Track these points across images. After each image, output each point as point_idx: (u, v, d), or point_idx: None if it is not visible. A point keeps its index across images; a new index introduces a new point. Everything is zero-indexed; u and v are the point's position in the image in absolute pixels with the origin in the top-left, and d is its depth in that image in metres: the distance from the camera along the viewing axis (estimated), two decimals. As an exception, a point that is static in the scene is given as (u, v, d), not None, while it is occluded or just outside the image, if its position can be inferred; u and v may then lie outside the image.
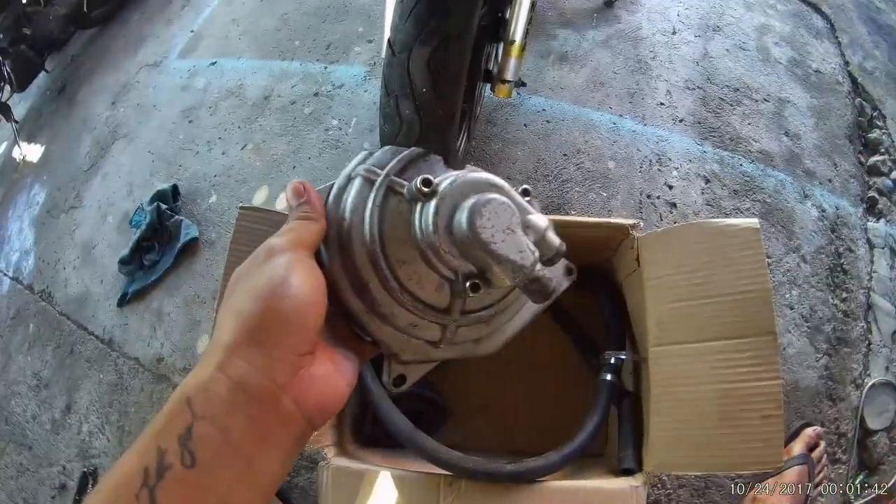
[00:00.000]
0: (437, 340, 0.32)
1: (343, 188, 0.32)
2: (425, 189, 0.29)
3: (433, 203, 0.29)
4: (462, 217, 0.28)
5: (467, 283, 0.30)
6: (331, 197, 0.32)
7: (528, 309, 0.36)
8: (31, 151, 2.10)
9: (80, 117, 1.99)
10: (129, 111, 1.83)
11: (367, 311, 0.30)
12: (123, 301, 1.38)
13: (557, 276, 0.38)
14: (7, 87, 2.14)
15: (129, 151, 1.71)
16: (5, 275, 1.75)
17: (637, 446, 0.64)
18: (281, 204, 1.30)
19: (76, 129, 1.95)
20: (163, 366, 1.26)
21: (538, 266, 0.27)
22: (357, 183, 0.32)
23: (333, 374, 0.28)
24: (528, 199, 0.33)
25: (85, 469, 1.27)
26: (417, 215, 0.30)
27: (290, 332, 0.25)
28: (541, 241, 0.29)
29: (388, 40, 0.75)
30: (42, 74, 2.30)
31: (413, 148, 0.34)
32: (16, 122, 2.18)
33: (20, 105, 2.36)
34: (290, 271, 0.26)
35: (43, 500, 1.30)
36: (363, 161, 0.33)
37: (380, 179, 0.31)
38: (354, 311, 0.31)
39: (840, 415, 0.97)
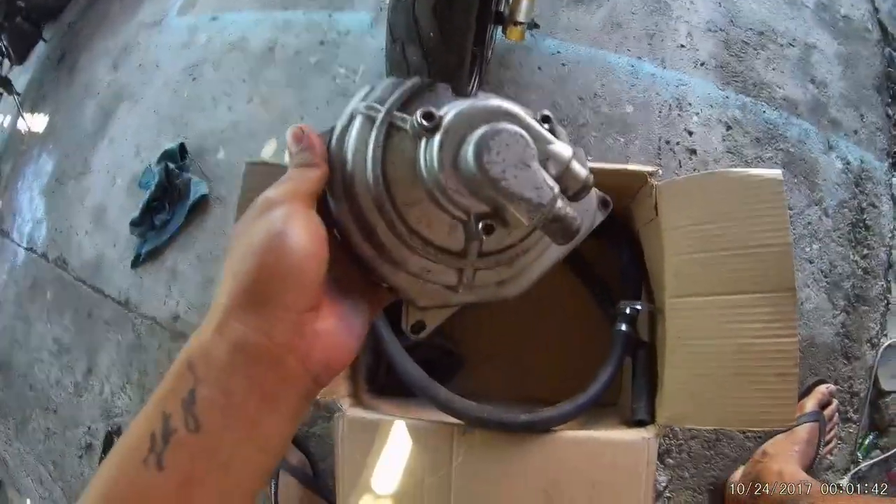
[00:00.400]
0: (454, 285, 0.31)
1: (346, 128, 0.30)
2: (427, 123, 0.27)
3: (437, 137, 0.26)
4: (468, 152, 0.25)
5: (480, 225, 0.27)
6: (333, 139, 0.30)
7: (558, 248, 0.34)
8: (35, 122, 2.10)
9: (82, 83, 1.97)
10: (131, 73, 1.80)
11: (378, 256, 0.29)
12: (137, 262, 1.40)
13: (590, 209, 0.35)
14: (6, 61, 2.15)
15: (135, 113, 1.69)
16: (20, 245, 1.78)
17: (650, 398, 0.64)
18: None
19: (79, 96, 1.93)
20: (179, 323, 1.28)
21: (559, 203, 0.24)
22: (358, 122, 0.30)
23: (339, 330, 0.27)
24: (548, 126, 0.29)
25: (109, 428, 1.32)
26: (422, 152, 0.27)
27: (288, 290, 0.24)
28: (565, 174, 0.26)
29: None
30: (40, 45, 2.28)
31: (416, 78, 0.31)
32: (18, 94, 2.17)
33: (21, 77, 2.34)
34: (286, 224, 0.25)
35: (70, 461, 1.37)
36: (365, 97, 0.31)
37: (381, 116, 0.29)
38: (365, 257, 0.29)
39: (854, 374, 0.96)
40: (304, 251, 0.24)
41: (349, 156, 0.29)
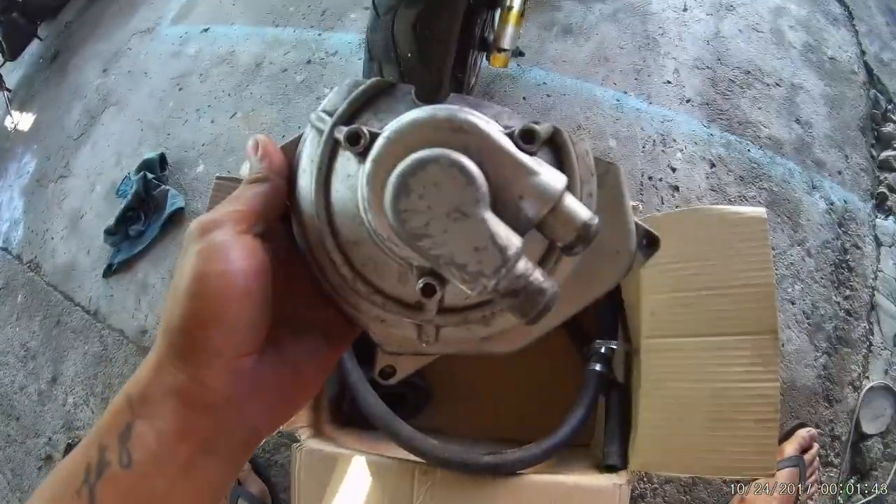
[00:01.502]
0: (415, 338, 0.25)
1: (304, 137, 0.25)
2: (352, 146, 0.21)
3: (365, 166, 0.20)
4: (387, 196, 0.19)
5: (421, 283, 0.21)
6: (298, 150, 0.25)
7: (568, 302, 0.25)
8: (22, 120, 2.07)
9: (72, 85, 1.96)
10: (120, 78, 1.80)
11: (334, 294, 0.25)
12: (109, 272, 1.37)
13: (623, 251, 0.25)
14: (-1, 56, 2.12)
15: (119, 119, 1.68)
16: (-5, 245, 1.74)
17: (624, 442, 0.61)
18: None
19: (67, 97, 1.92)
20: (146, 338, 1.25)
21: (519, 266, 0.18)
22: (309, 135, 0.25)
23: (284, 377, 0.25)
24: (530, 146, 0.20)
25: (69, 441, 1.27)
26: (359, 182, 0.21)
27: (218, 336, 0.22)
28: (554, 215, 0.19)
29: (373, 1, 0.70)
30: (35, 42, 2.27)
31: (373, 79, 0.24)
32: (8, 90, 2.16)
33: (13, 73, 2.33)
34: (212, 261, 0.22)
35: (29, 471, 1.31)
36: (325, 104, 0.25)
37: (326, 129, 0.23)
38: (325, 291, 0.25)
39: (835, 417, 0.95)
40: (233, 291, 0.22)
41: (297, 176, 0.25)
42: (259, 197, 0.24)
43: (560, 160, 0.22)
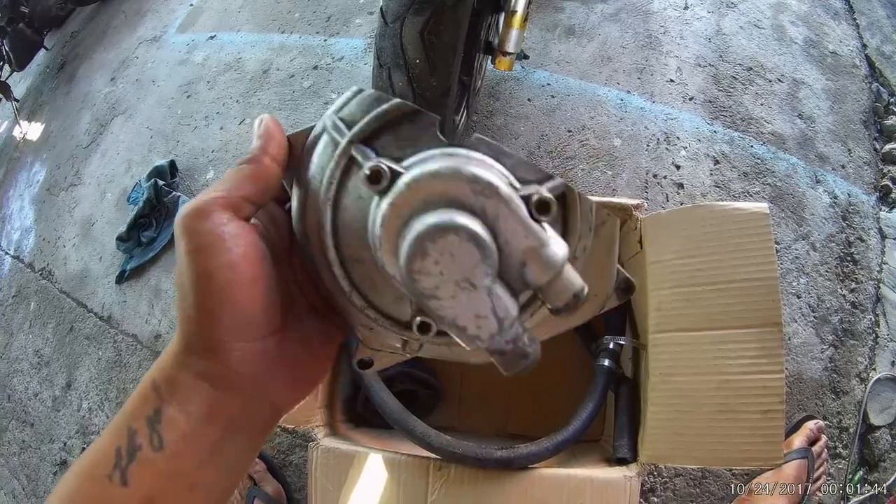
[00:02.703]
0: (399, 347, 0.27)
1: (316, 139, 0.25)
2: (372, 185, 0.21)
3: (383, 206, 0.20)
4: (402, 254, 0.19)
5: (417, 321, 0.23)
6: (307, 144, 0.25)
7: (544, 332, 0.26)
8: (31, 130, 2.10)
9: (80, 94, 1.98)
10: (128, 87, 1.81)
11: (328, 295, 0.26)
12: (122, 278, 1.39)
13: (601, 293, 0.27)
14: (6, 66, 2.14)
15: (128, 128, 1.70)
16: (7, 253, 1.76)
17: (633, 435, 0.62)
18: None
19: (76, 106, 1.94)
20: (160, 342, 1.26)
21: (511, 333, 0.19)
22: (322, 140, 0.24)
23: (302, 355, 0.26)
24: (544, 216, 0.20)
25: (84, 446, 1.28)
26: (373, 209, 0.21)
27: (233, 326, 0.23)
28: (552, 283, 0.20)
29: (381, 8, 0.72)
30: (42, 52, 2.29)
31: (396, 101, 0.23)
32: (16, 100, 2.18)
33: (21, 84, 2.35)
34: (210, 254, 0.22)
35: (44, 477, 1.33)
36: (341, 107, 0.24)
37: (342, 144, 0.23)
38: (321, 291, 0.26)
39: (843, 409, 0.95)
40: (239, 280, 0.22)
41: (308, 177, 0.24)
42: (248, 179, 0.23)
43: (565, 218, 0.23)
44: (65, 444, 1.32)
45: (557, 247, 0.20)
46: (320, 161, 0.24)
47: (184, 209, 0.22)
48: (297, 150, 0.25)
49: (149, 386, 0.23)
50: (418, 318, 0.23)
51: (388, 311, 0.25)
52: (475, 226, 0.19)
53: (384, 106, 0.23)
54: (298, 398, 0.26)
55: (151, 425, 0.22)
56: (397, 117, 0.23)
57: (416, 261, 0.19)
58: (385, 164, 0.21)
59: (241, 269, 0.22)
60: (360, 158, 0.23)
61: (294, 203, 0.25)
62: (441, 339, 0.25)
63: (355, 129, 0.23)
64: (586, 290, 0.21)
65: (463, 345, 0.20)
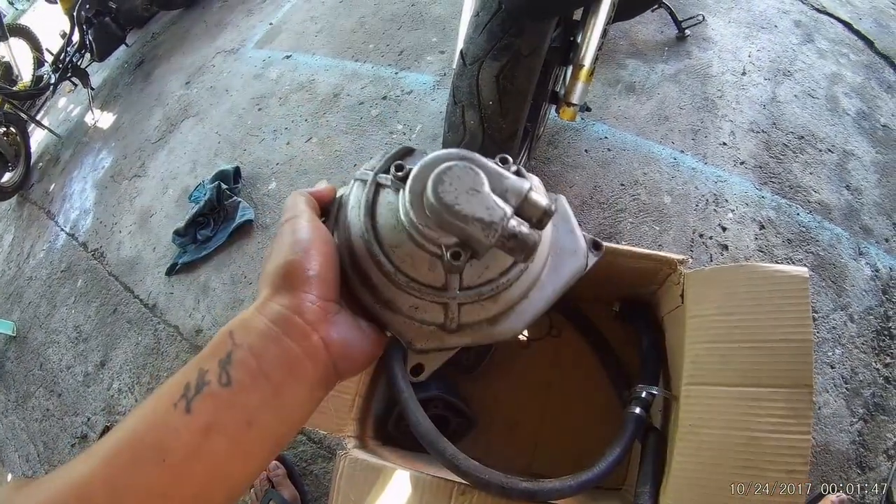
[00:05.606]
0: (442, 322, 0.33)
1: (349, 188, 0.36)
2: (399, 174, 0.32)
3: (408, 183, 0.30)
4: (428, 187, 0.28)
5: (449, 253, 0.30)
6: (343, 197, 0.36)
7: (549, 286, 0.36)
8: (102, 118, 2.23)
9: (155, 92, 2.10)
10: (201, 92, 1.92)
11: (375, 302, 0.33)
12: (172, 270, 1.44)
13: (579, 251, 0.38)
14: (87, 55, 2.28)
15: (198, 130, 1.79)
16: (62, 230, 1.85)
17: (656, 485, 0.62)
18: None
19: (149, 103, 2.06)
20: (200, 337, 1.29)
21: (512, 221, 0.27)
22: (355, 186, 0.36)
23: (356, 332, 0.31)
24: (506, 166, 0.32)
25: (108, 424, 1.31)
26: (400, 199, 0.31)
27: (310, 278, 0.28)
28: (524, 204, 0.29)
29: (461, 51, 0.77)
30: (122, 48, 2.45)
31: (402, 146, 0.37)
32: (92, 88, 2.33)
33: (98, 74, 2.50)
34: (302, 229, 0.30)
35: (62, 447, 1.35)
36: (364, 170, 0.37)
37: (370, 178, 0.35)
38: (366, 304, 0.33)
39: (867, 484, 0.92)
40: (319, 248, 0.30)
41: (347, 211, 0.35)
42: (304, 198, 0.34)
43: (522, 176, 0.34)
44: (88, 419, 1.35)
45: (518, 181, 0.30)
46: (355, 196, 0.35)
47: (293, 195, 0.33)
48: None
49: (225, 334, 0.26)
50: (449, 251, 0.30)
51: (426, 280, 0.32)
52: (468, 157, 0.30)
53: (393, 152, 0.37)
54: (350, 369, 0.30)
55: (222, 366, 0.25)
56: (400, 154, 0.37)
57: (439, 186, 0.28)
58: (405, 164, 0.33)
59: (321, 240, 0.30)
60: (382, 181, 0.34)
61: (341, 241, 0.34)
62: (472, 293, 0.33)
63: (375, 168, 0.35)
64: (554, 208, 0.30)
65: (485, 240, 0.27)
